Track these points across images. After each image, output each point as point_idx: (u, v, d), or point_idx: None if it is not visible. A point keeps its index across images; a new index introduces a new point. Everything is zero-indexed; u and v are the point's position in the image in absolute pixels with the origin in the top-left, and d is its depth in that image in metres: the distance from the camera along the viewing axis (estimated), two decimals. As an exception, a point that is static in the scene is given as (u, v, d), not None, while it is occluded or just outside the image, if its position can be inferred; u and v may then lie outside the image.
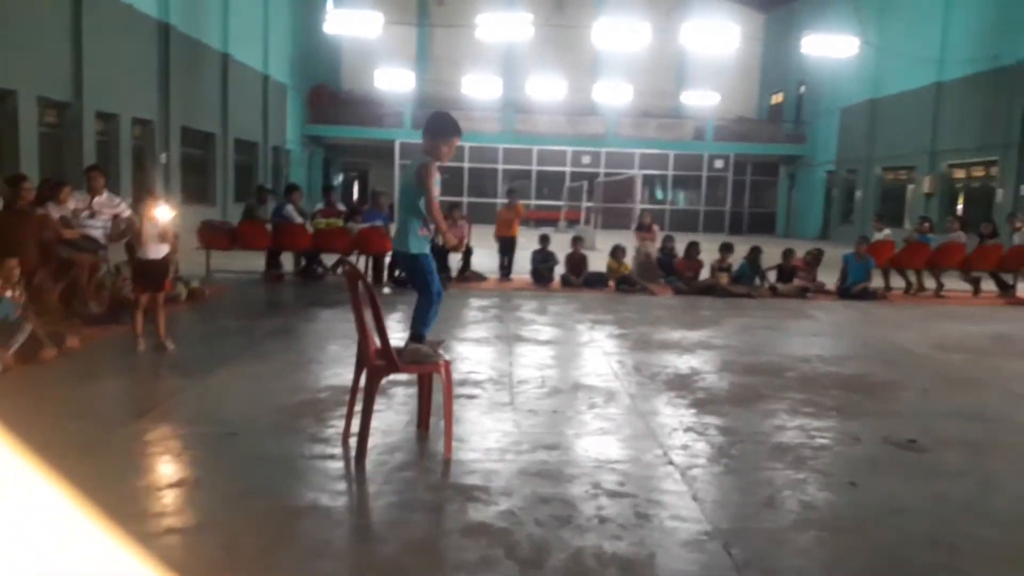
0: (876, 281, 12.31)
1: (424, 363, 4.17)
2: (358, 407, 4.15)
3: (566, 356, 7.09)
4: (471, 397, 5.23)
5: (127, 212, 8.22)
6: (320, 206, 12.70)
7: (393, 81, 30.99)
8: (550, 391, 5.57)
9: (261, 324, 8.21)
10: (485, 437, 4.41)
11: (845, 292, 11.89)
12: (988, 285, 12.88)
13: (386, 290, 11.15)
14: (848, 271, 12.16)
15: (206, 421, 4.59)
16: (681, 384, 5.90)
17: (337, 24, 25.42)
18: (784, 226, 34.76)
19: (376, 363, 4.05)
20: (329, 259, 12.44)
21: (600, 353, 7.03)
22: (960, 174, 23.70)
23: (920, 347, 7.95)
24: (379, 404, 4.47)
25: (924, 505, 3.66)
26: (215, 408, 4.96)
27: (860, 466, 4.18)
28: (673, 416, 5.04)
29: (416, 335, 4.29)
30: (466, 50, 34.50)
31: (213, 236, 11.86)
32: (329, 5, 30.23)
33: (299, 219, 11.99)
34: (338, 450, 4.13)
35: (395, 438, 4.37)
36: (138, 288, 6.52)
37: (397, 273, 11.57)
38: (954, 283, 12.99)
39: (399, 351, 4.10)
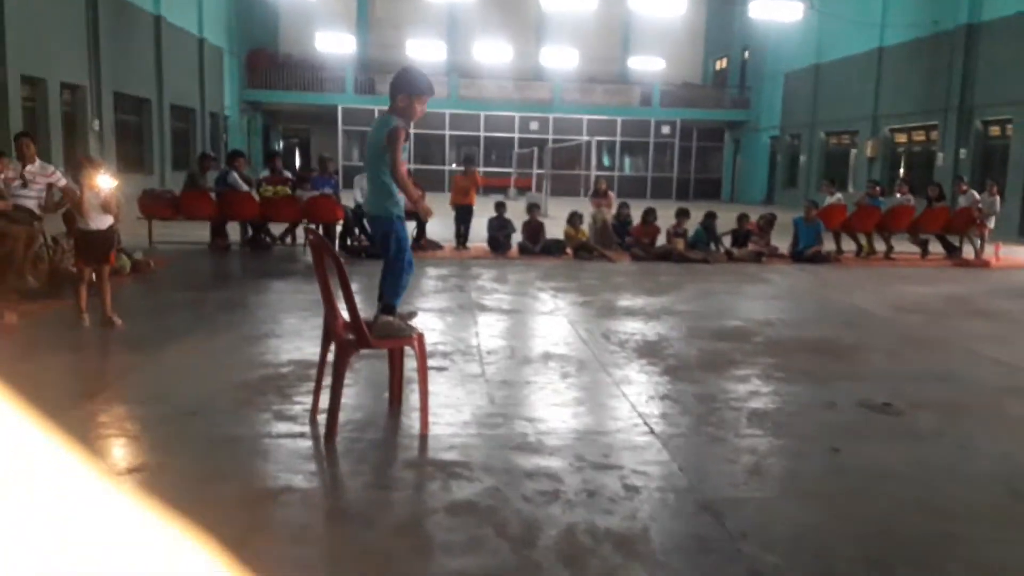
0: (827, 244, 12.46)
1: (397, 337, 3.98)
2: (326, 382, 3.95)
3: (532, 325, 6.96)
4: (440, 369, 5.06)
5: (62, 181, 7.77)
6: (265, 173, 12.26)
7: (334, 45, 30.12)
8: (520, 361, 5.43)
9: (212, 297, 7.89)
10: (460, 410, 4.25)
11: (798, 256, 12.00)
12: (935, 247, 13.15)
13: (339, 260, 10.83)
14: (799, 235, 12.28)
15: (163, 401, 4.33)
16: (651, 351, 5.82)
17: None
18: (730, 191, 35.09)
19: (346, 338, 3.86)
20: (277, 228, 12.07)
21: (566, 321, 6.91)
22: (902, 138, 24.14)
23: (879, 309, 8.03)
24: (346, 378, 4.28)
25: (907, 470, 3.64)
26: (171, 386, 4.69)
27: (839, 431, 4.15)
28: (647, 384, 4.96)
29: (388, 306, 4.08)
30: (409, 13, 33.75)
31: (155, 205, 11.37)
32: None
33: (244, 187, 11.54)
34: (307, 428, 3.94)
35: (366, 414, 4.20)
36: (81, 261, 6.16)
37: (350, 242, 11.27)
38: (902, 245, 13.23)
39: (369, 325, 3.90)
